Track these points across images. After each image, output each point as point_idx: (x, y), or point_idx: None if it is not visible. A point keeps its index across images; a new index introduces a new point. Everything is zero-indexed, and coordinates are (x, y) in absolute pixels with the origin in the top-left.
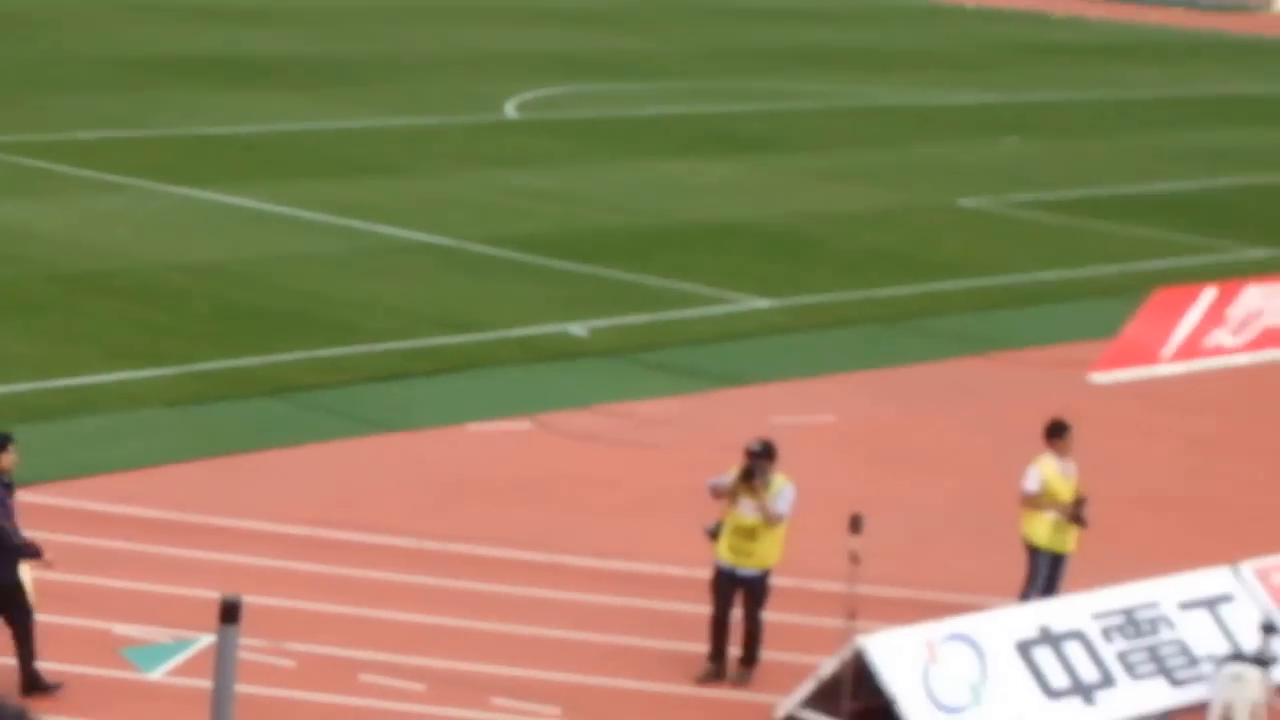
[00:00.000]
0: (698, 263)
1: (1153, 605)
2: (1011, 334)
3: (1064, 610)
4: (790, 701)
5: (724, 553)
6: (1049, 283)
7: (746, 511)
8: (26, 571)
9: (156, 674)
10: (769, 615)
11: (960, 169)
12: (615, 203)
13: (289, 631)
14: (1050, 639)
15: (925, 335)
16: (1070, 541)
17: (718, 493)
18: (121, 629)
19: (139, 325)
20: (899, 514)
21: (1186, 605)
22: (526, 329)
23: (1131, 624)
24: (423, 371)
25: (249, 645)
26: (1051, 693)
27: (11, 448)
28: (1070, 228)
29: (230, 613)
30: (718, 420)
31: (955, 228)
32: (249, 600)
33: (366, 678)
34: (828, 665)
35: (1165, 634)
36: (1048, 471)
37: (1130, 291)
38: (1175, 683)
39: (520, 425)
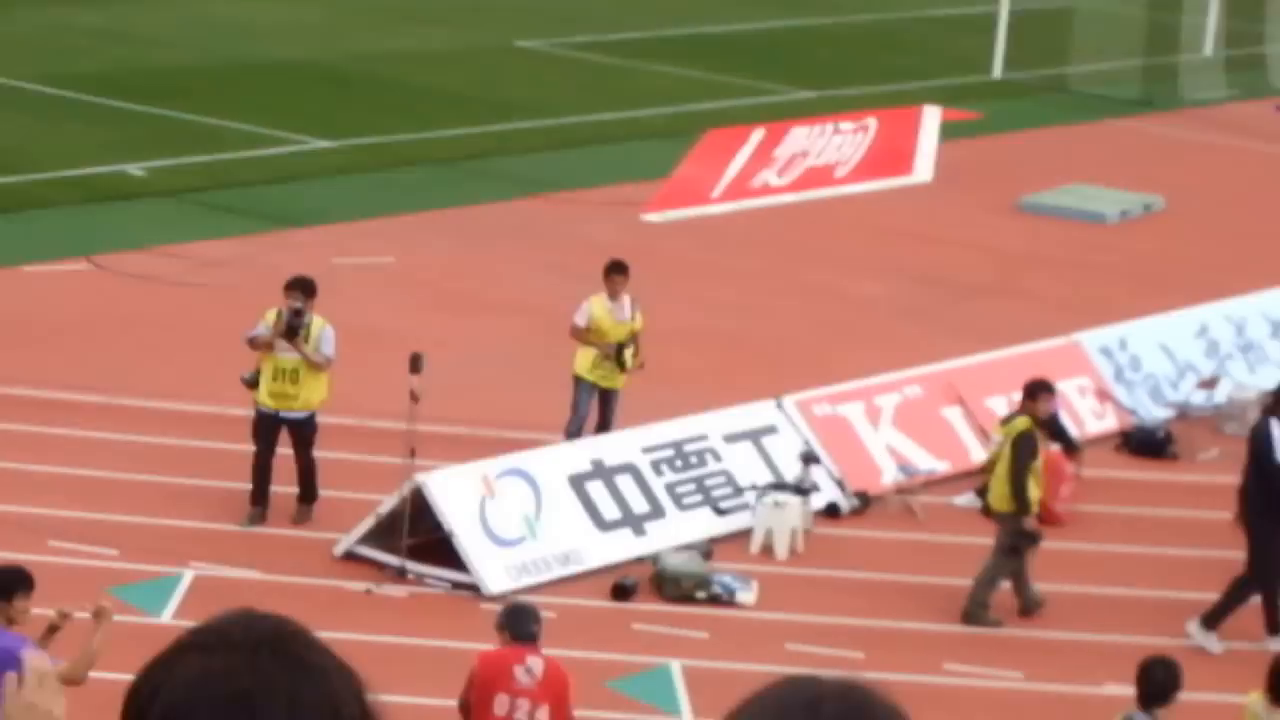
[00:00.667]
0: (259, 103)
1: (701, 438)
2: (569, 175)
3: (615, 445)
4: (349, 538)
5: (266, 399)
6: (604, 124)
7: (287, 354)
8: None
9: None
10: (329, 454)
11: (518, 9)
12: (176, 41)
13: None
14: (602, 472)
15: (486, 176)
16: (617, 379)
17: (256, 344)
18: None
19: None
20: (457, 352)
21: (732, 438)
22: (83, 169)
23: (680, 457)
24: None
25: None
26: (604, 524)
27: None
28: (626, 69)
29: None
30: (276, 261)
31: (514, 68)
32: None
33: None
34: (387, 502)
35: (712, 465)
36: (597, 309)
37: (682, 133)
38: (720, 512)
39: (77, 266)
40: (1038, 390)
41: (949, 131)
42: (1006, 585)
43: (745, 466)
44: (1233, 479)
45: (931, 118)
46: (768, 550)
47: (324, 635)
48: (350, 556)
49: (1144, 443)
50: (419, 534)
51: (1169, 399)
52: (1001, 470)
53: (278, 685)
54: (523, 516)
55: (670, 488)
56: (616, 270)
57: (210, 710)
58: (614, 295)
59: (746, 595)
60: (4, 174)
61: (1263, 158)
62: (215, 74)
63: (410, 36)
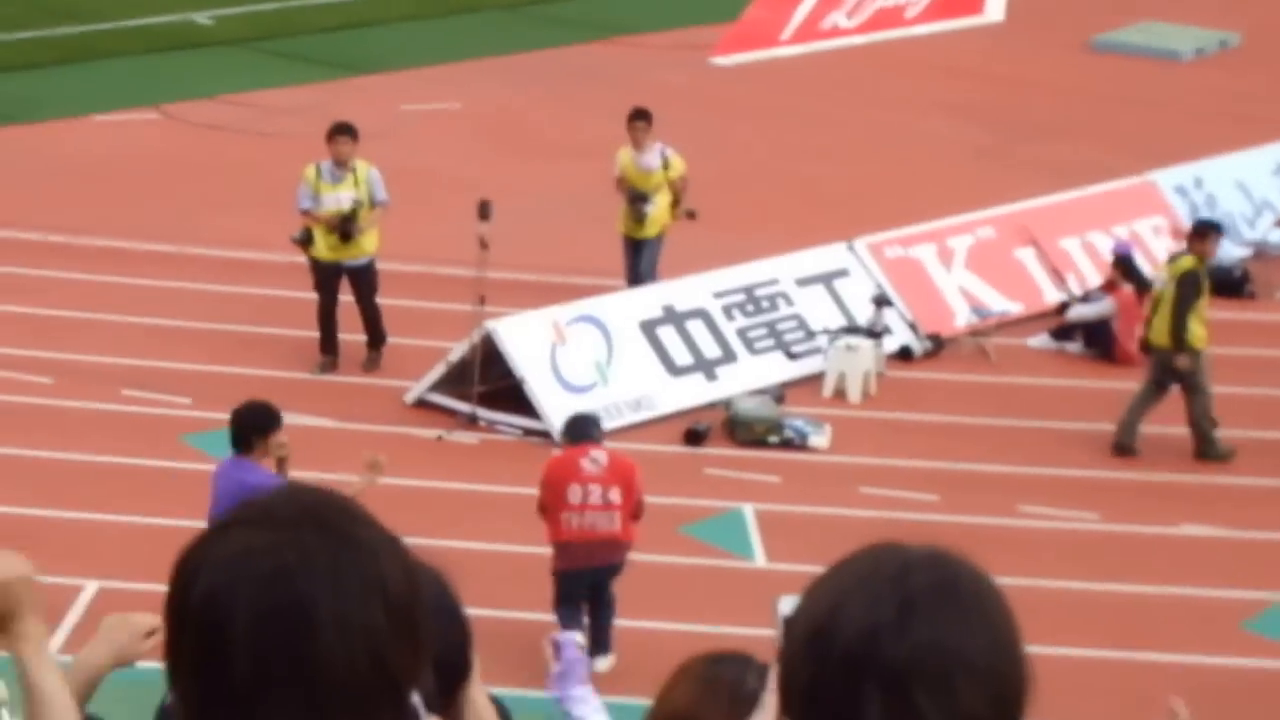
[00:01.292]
0: None
1: (772, 283)
2: (636, 19)
3: (686, 289)
4: (421, 386)
5: (324, 253)
6: None
7: (341, 204)
8: None
9: None
10: (399, 301)
11: None
12: None
13: None
14: (673, 318)
15: (551, 21)
16: (644, 229)
17: (313, 217)
18: None
19: None
20: (526, 199)
21: (804, 281)
22: (150, 18)
23: (751, 301)
24: (45, 62)
25: None
26: (675, 369)
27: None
28: None
29: None
30: (345, 109)
31: None
32: None
33: None
34: (457, 349)
35: (784, 309)
36: (623, 159)
37: None
38: (792, 356)
39: (147, 116)
40: (1207, 230)
41: None
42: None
43: (817, 310)
44: None
45: None
46: (840, 394)
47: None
48: (421, 404)
49: (1220, 281)
50: (490, 381)
51: (1245, 237)
52: (1165, 307)
53: (320, 560)
54: (594, 363)
55: (742, 332)
56: (638, 118)
57: (252, 587)
58: (637, 145)
59: (819, 439)
60: (70, 23)
61: None
62: None
63: None
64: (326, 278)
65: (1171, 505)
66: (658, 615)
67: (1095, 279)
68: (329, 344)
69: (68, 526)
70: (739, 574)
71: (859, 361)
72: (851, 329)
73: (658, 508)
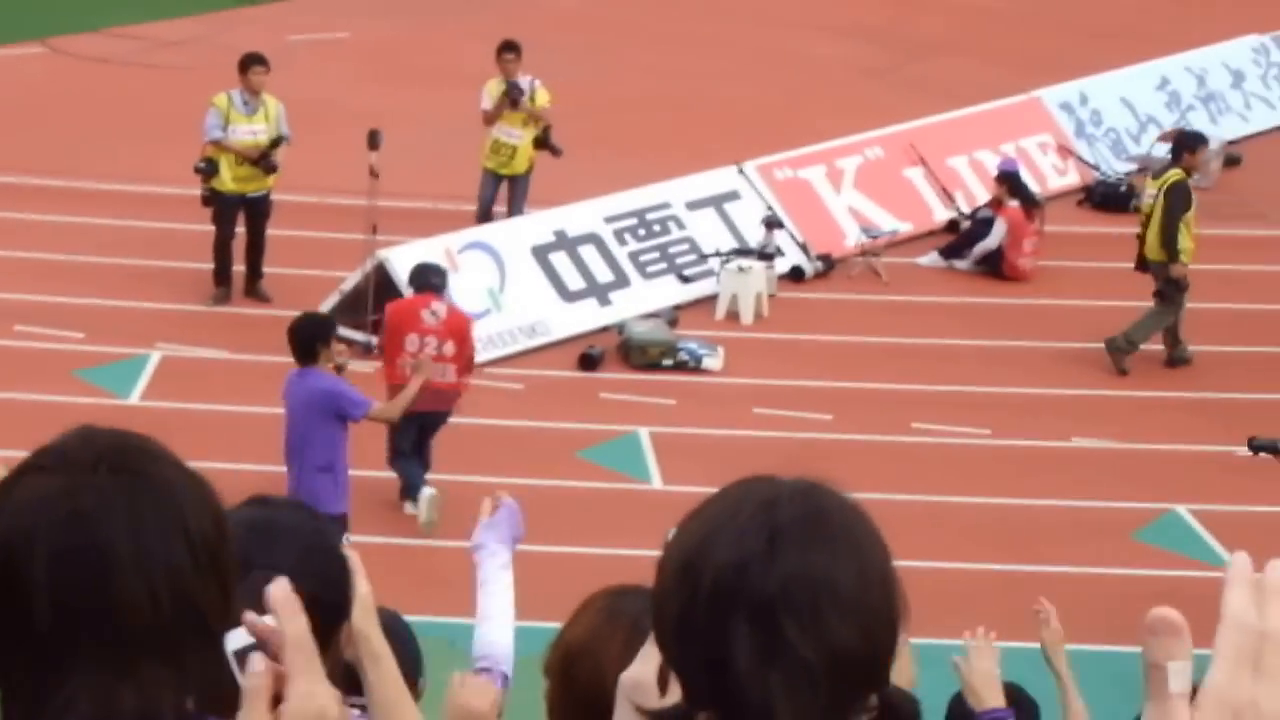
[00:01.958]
0: None
1: (663, 206)
2: None
3: (578, 215)
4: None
5: (230, 185)
6: None
7: (246, 136)
8: None
9: None
10: (292, 232)
11: None
12: None
13: None
14: (565, 243)
15: None
16: (516, 165)
17: (223, 147)
18: None
19: None
20: (416, 127)
21: (695, 205)
22: None
23: (643, 225)
24: None
25: None
26: (568, 295)
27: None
28: None
29: None
30: (232, 40)
31: None
32: None
33: None
34: (351, 278)
35: (675, 233)
36: (494, 90)
37: None
38: (685, 279)
39: (31, 50)
40: (1191, 143)
41: None
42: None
43: (708, 233)
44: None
45: None
46: (733, 316)
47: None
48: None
49: (1106, 197)
50: (383, 309)
51: (1131, 152)
52: (1155, 220)
53: (117, 501)
54: (487, 289)
55: (634, 256)
56: (507, 50)
57: (49, 531)
58: (508, 76)
59: (713, 361)
60: None
61: None
62: None
63: None
64: (228, 209)
65: (1063, 419)
66: (556, 540)
67: (983, 196)
68: (224, 276)
69: None
70: (636, 496)
71: (751, 283)
72: (743, 251)
73: (554, 433)
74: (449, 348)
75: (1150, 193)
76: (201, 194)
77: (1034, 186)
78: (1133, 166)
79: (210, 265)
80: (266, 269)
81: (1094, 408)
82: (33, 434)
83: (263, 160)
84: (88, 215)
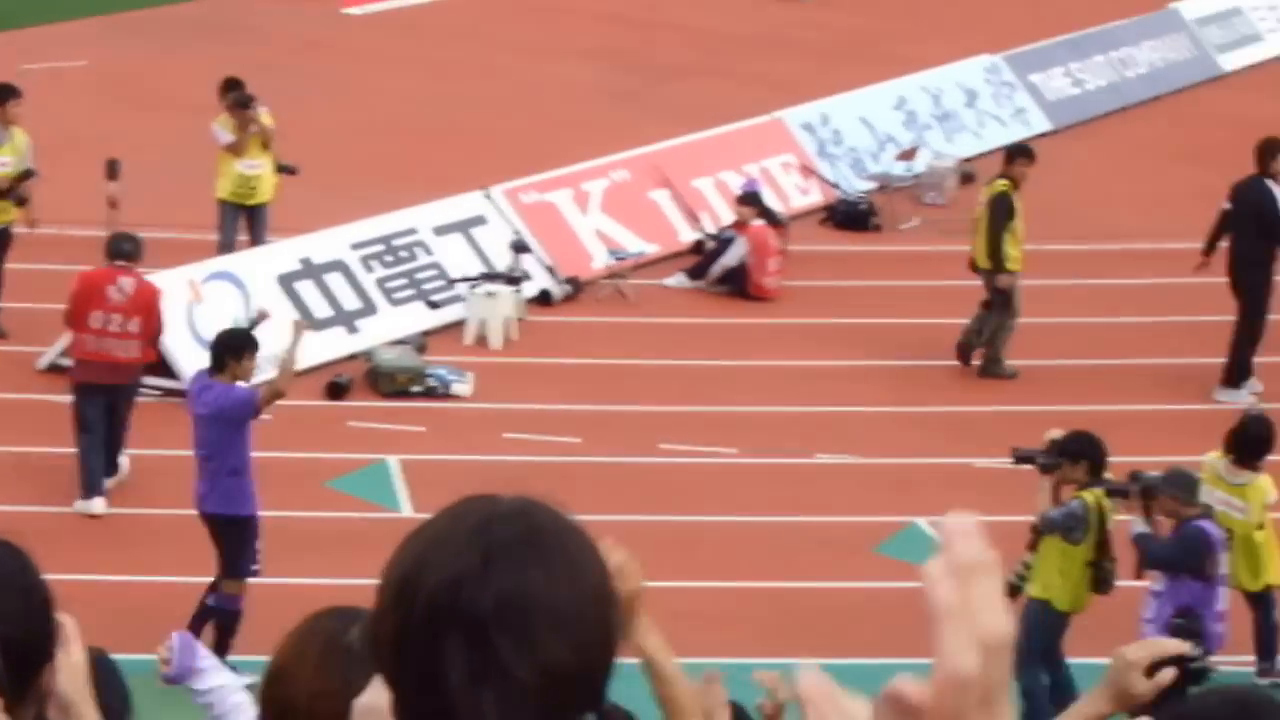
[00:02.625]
0: None
1: (410, 232)
2: None
3: (324, 242)
4: (52, 351)
5: None
6: None
7: (4, 168)
8: None
9: None
10: (29, 265)
11: None
12: None
13: None
14: (311, 271)
15: None
16: (260, 195)
17: None
18: None
19: None
20: (155, 156)
21: (442, 230)
22: None
23: (390, 252)
24: None
25: None
26: (315, 323)
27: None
28: None
29: None
30: None
31: None
32: None
33: None
34: None
35: (422, 259)
36: (225, 123)
37: None
38: (433, 305)
39: None
40: (1016, 154)
41: None
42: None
43: (456, 258)
44: (932, 248)
45: None
46: (481, 341)
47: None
48: (54, 369)
49: (848, 215)
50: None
51: (870, 171)
52: (981, 229)
53: None
54: (232, 320)
55: (381, 283)
56: (233, 88)
57: None
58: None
59: (462, 386)
60: None
61: None
62: None
63: None
64: None
65: (807, 436)
66: (304, 571)
67: (728, 217)
68: None
69: None
70: (386, 525)
71: (499, 308)
72: (491, 276)
73: (301, 463)
74: (134, 324)
75: (981, 201)
76: None
77: (777, 206)
78: (873, 185)
79: None
80: (4, 304)
81: (837, 424)
82: None
83: (11, 193)
84: None
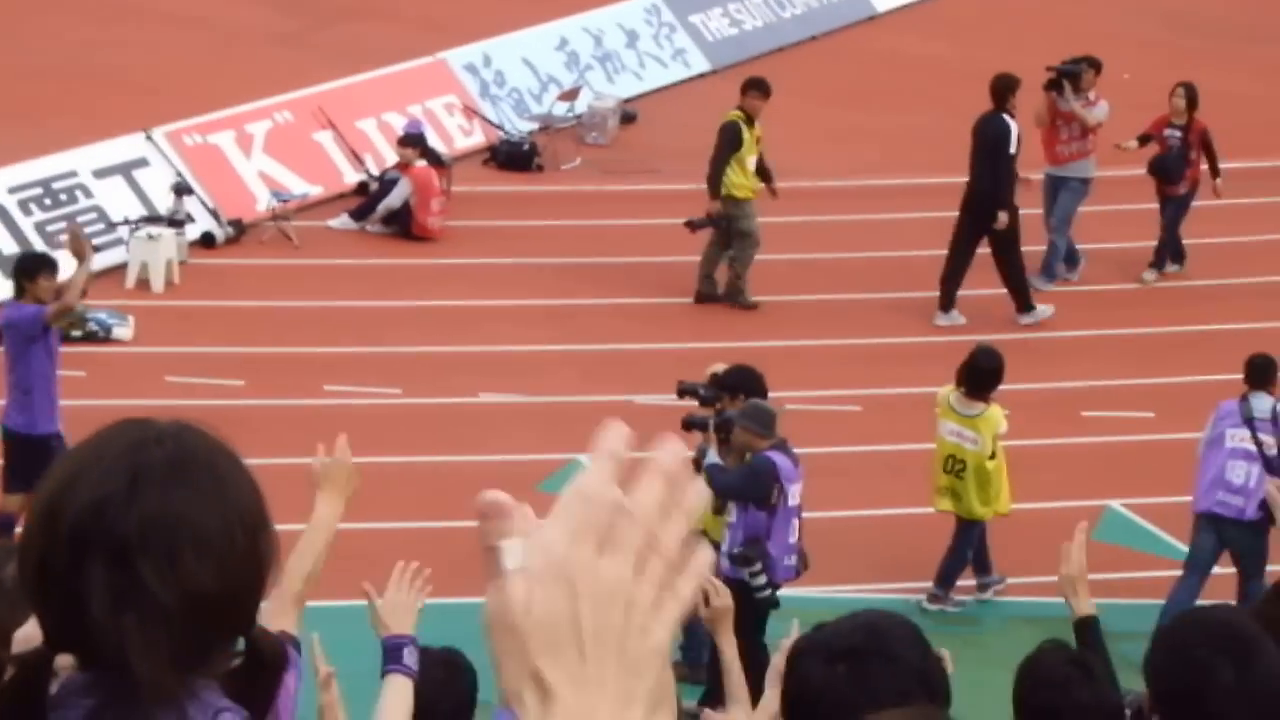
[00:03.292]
0: None
1: (70, 175)
2: None
3: None
4: None
5: None
6: None
7: None
8: None
9: None
10: None
11: None
12: None
13: None
14: None
15: None
16: None
17: None
18: None
19: None
20: None
21: (102, 173)
22: None
23: (49, 195)
24: None
25: None
26: None
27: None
28: None
29: None
30: None
31: None
32: None
33: None
34: None
35: (83, 202)
36: None
37: None
38: (95, 249)
39: None
40: (749, 87)
41: None
42: None
43: (117, 201)
44: (594, 187)
45: None
46: (143, 284)
47: None
48: None
49: (510, 156)
50: None
51: (533, 112)
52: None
53: None
54: None
55: (40, 226)
56: None
57: None
58: None
59: (123, 330)
60: None
61: None
62: None
63: None
64: None
65: (471, 376)
66: None
67: (392, 159)
68: None
69: None
70: None
71: (161, 250)
72: (152, 218)
73: None
74: None
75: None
76: None
77: (441, 147)
78: (535, 125)
79: None
80: None
81: (500, 363)
82: None
83: None
84: None
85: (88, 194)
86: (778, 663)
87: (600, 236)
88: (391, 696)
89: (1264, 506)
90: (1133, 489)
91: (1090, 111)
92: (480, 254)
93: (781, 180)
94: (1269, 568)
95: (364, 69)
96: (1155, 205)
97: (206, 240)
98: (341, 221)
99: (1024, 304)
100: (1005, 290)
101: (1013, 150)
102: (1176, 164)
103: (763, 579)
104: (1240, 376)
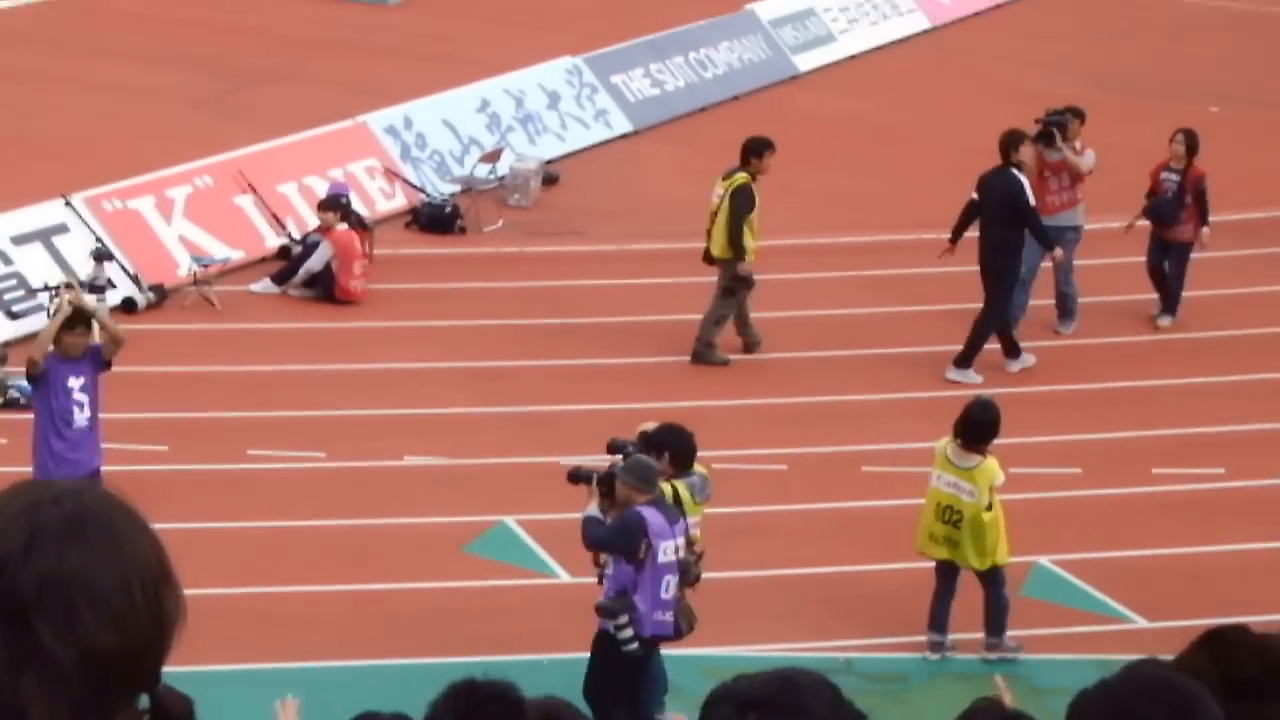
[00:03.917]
0: None
1: None
2: None
3: None
4: None
5: None
6: None
7: None
8: None
9: None
10: None
11: None
12: None
13: None
14: None
15: None
16: None
17: None
18: None
19: None
20: None
21: (21, 239)
22: None
23: None
24: None
25: None
26: None
27: None
28: None
29: None
30: None
31: None
32: None
33: None
34: None
35: (3, 269)
36: None
37: None
38: (14, 315)
39: None
40: (762, 148)
41: None
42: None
43: (37, 267)
44: (516, 249)
45: None
46: None
47: None
48: None
49: (432, 218)
50: None
51: (455, 174)
52: (721, 220)
53: None
54: None
55: None
56: None
57: None
58: None
59: None
60: None
61: None
62: None
63: None
64: None
65: (396, 438)
66: None
67: (314, 222)
68: None
69: None
70: None
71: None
72: (73, 285)
73: None
74: None
75: (718, 193)
76: None
77: (363, 210)
78: (457, 188)
79: None
80: None
81: (425, 426)
82: None
83: None
84: None
85: (7, 261)
86: None
87: (524, 298)
88: None
89: None
90: (1061, 545)
91: (1081, 159)
92: (403, 316)
93: (701, 241)
94: (1186, 621)
95: (284, 133)
96: (1091, 261)
97: (128, 306)
98: (263, 286)
99: (966, 359)
100: (967, 336)
101: (1032, 201)
102: (1171, 208)
103: (629, 632)
104: (1168, 432)
